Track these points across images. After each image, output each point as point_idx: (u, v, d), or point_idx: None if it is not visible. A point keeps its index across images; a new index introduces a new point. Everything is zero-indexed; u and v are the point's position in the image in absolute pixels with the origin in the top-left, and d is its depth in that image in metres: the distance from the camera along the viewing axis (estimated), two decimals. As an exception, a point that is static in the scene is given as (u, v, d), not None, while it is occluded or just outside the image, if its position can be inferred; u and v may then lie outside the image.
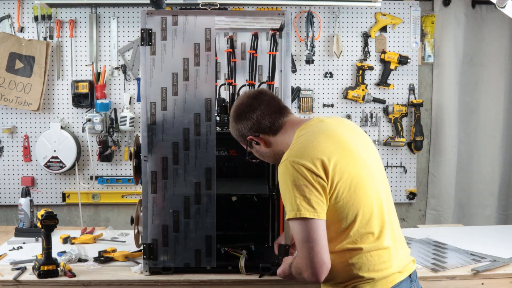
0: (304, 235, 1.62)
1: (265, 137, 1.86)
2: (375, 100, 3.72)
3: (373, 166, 1.77)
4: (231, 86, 2.38)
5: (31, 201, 2.77)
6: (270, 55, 2.30)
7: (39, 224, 2.20)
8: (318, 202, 1.62)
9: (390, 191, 1.83)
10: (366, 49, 3.71)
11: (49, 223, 2.19)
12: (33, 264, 2.22)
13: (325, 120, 1.81)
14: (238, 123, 1.90)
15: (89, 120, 3.57)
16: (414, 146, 3.75)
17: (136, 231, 2.30)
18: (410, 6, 3.73)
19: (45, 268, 2.14)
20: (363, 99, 3.69)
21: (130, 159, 2.33)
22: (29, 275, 2.17)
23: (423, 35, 3.77)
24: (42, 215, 2.19)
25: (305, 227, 1.61)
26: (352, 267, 1.69)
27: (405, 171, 3.79)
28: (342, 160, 1.67)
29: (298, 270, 1.70)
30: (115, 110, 3.64)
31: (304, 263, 1.63)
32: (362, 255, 1.68)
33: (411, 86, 3.77)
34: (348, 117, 3.73)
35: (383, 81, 3.72)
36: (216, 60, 2.27)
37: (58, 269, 2.16)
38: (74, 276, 2.16)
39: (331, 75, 3.72)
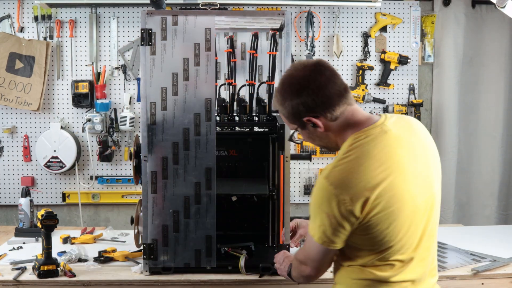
0: (315, 250, 1.63)
1: (325, 120, 1.59)
2: (375, 100, 3.72)
3: (425, 196, 1.58)
4: (231, 86, 2.38)
5: (31, 201, 2.77)
6: (270, 55, 2.30)
7: (39, 224, 2.20)
8: (339, 235, 1.53)
9: (438, 215, 1.67)
10: (366, 49, 3.71)
11: (49, 223, 2.19)
12: (33, 264, 2.22)
13: (388, 132, 1.56)
14: (294, 98, 1.58)
15: (89, 120, 3.57)
16: (414, 146, 3.75)
17: (136, 231, 2.30)
18: (410, 6, 3.73)
19: (45, 268, 2.14)
20: (363, 99, 3.69)
21: (130, 159, 2.33)
22: (29, 275, 2.18)
23: (423, 35, 3.77)
24: (42, 215, 2.19)
25: (318, 249, 1.61)
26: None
27: (405, 171, 3.79)
28: (388, 189, 1.49)
29: (298, 264, 1.74)
30: (115, 110, 3.64)
31: (307, 261, 1.69)
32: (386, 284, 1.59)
33: (411, 86, 3.77)
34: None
35: (383, 81, 3.72)
36: (216, 60, 2.27)
37: (58, 269, 2.16)
38: (74, 276, 2.16)
39: (331, 75, 3.72)
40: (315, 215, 1.56)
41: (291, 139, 1.78)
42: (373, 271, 1.59)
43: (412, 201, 1.53)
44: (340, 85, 1.59)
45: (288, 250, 2.17)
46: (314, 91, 1.56)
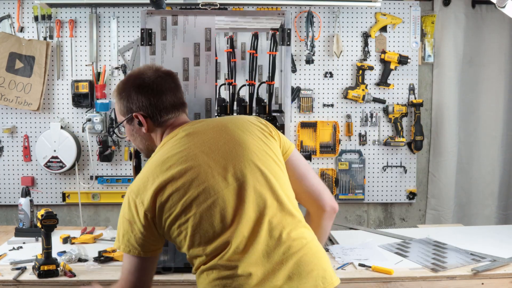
0: (132, 268, 1.60)
1: (151, 123, 1.71)
2: (375, 100, 3.72)
3: (229, 174, 1.58)
4: (231, 86, 2.38)
5: (31, 201, 2.77)
6: (270, 55, 2.31)
7: (39, 224, 2.20)
8: (144, 240, 1.57)
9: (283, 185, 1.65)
10: (366, 49, 3.71)
11: (49, 223, 2.19)
12: (33, 264, 2.22)
13: (190, 135, 1.64)
14: (133, 93, 1.70)
15: (89, 120, 3.57)
16: (414, 146, 3.75)
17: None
18: (410, 6, 3.73)
19: (45, 268, 2.14)
20: (363, 99, 3.69)
21: (130, 159, 2.33)
22: (29, 275, 2.18)
23: (423, 35, 3.77)
24: (42, 215, 2.19)
25: (133, 263, 1.60)
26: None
27: (405, 171, 3.79)
28: (185, 187, 1.54)
29: None
30: (115, 110, 3.64)
31: None
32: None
33: (411, 86, 3.77)
34: (348, 117, 3.73)
35: (383, 81, 3.72)
36: (216, 60, 2.27)
37: (58, 269, 2.16)
38: (74, 276, 2.16)
39: (331, 75, 3.72)
40: (120, 226, 1.62)
41: (113, 131, 1.83)
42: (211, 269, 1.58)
43: (201, 185, 1.57)
44: (179, 99, 1.72)
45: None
46: (154, 93, 1.68)
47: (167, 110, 1.69)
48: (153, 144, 1.75)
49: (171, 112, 1.70)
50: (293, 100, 3.70)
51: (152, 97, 1.68)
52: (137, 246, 1.59)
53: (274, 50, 2.31)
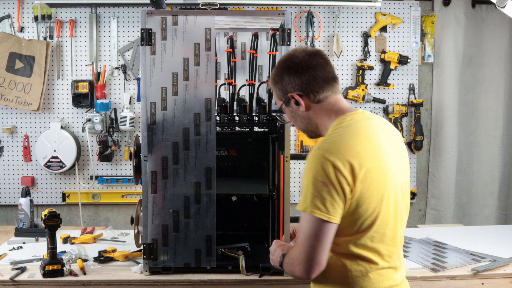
0: (311, 232, 1.56)
1: (308, 101, 1.72)
2: (375, 100, 3.72)
3: (399, 182, 1.68)
4: (231, 86, 2.38)
5: (31, 201, 2.77)
6: (270, 55, 2.31)
7: (43, 224, 2.20)
8: (334, 204, 1.54)
9: (408, 211, 1.75)
10: (366, 49, 3.71)
11: (52, 222, 2.19)
12: (36, 263, 2.23)
13: (371, 118, 1.69)
14: (285, 76, 1.72)
15: (89, 120, 3.57)
16: (414, 146, 3.75)
17: (136, 231, 2.30)
18: (410, 6, 3.73)
19: (50, 267, 2.15)
20: (363, 99, 3.69)
21: (130, 159, 2.33)
22: (29, 275, 2.17)
23: (423, 35, 3.77)
24: (45, 215, 2.19)
25: (314, 225, 1.56)
26: (351, 279, 1.64)
27: (405, 171, 3.79)
28: (373, 169, 1.58)
29: (291, 262, 1.65)
30: (115, 110, 3.64)
31: (301, 257, 1.59)
32: (365, 269, 1.63)
33: (411, 86, 3.77)
34: (348, 117, 3.72)
35: (383, 81, 3.72)
36: (216, 60, 2.27)
37: (64, 268, 2.17)
38: (84, 274, 2.17)
39: (331, 75, 3.72)
40: (307, 188, 1.57)
41: (276, 114, 1.90)
42: (351, 259, 1.62)
43: (391, 182, 1.63)
44: (329, 73, 1.71)
45: (288, 250, 2.17)
46: (303, 71, 1.69)
47: (319, 85, 1.70)
48: (313, 123, 1.76)
49: (325, 87, 1.70)
50: (293, 100, 3.69)
51: (302, 74, 1.70)
52: None
53: (274, 50, 2.31)
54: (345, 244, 1.62)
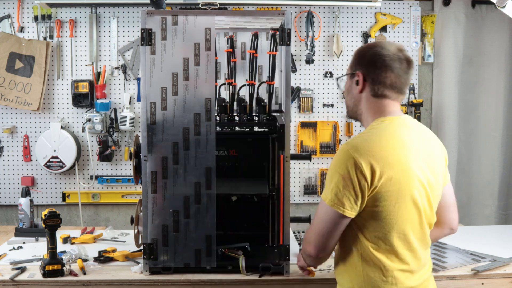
0: (325, 220, 1.69)
1: (367, 88, 1.78)
2: (375, 100, 3.72)
3: (425, 193, 1.74)
4: (231, 86, 2.38)
5: (31, 201, 2.77)
6: (270, 55, 2.30)
7: (43, 224, 2.20)
8: (350, 199, 1.63)
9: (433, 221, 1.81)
10: (366, 49, 3.71)
11: (52, 222, 2.19)
12: (36, 263, 2.22)
13: (408, 125, 1.77)
14: (368, 56, 1.77)
15: (89, 120, 3.57)
16: (414, 146, 3.75)
17: (136, 231, 2.30)
18: (410, 6, 3.73)
19: (50, 267, 2.15)
20: (363, 99, 3.69)
21: (130, 159, 2.33)
22: (29, 275, 2.17)
23: (423, 35, 3.76)
24: (45, 215, 2.19)
25: (329, 214, 1.67)
26: (371, 279, 1.71)
27: (405, 171, 3.79)
28: (397, 175, 1.65)
29: (305, 240, 1.79)
30: (115, 110, 3.64)
31: (312, 238, 1.73)
32: (385, 272, 1.69)
33: (411, 86, 3.77)
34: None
35: (383, 81, 3.72)
36: (216, 60, 2.27)
37: (64, 268, 2.17)
38: (84, 274, 2.17)
39: (331, 75, 3.72)
40: (331, 179, 1.67)
41: (337, 79, 1.97)
42: (373, 258, 1.69)
43: (415, 190, 1.68)
44: (401, 83, 1.76)
45: (288, 250, 2.17)
46: (383, 65, 1.74)
47: (385, 85, 1.75)
48: (359, 108, 1.82)
49: (389, 89, 1.75)
50: (293, 100, 3.70)
51: (380, 67, 1.74)
52: None
53: (274, 50, 2.30)
54: (366, 247, 1.70)
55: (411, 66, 1.77)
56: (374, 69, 1.75)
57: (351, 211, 1.65)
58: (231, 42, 2.44)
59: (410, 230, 1.70)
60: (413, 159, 1.69)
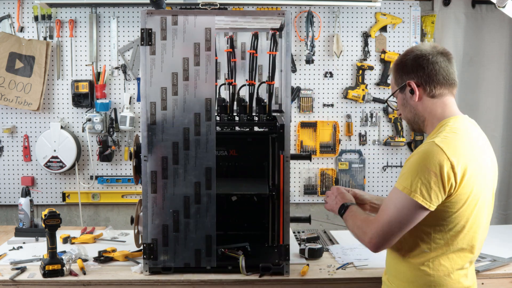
0: (403, 213, 1.67)
1: (423, 92, 1.77)
2: (375, 100, 3.72)
3: (490, 192, 1.81)
4: (231, 86, 2.38)
5: (31, 201, 2.77)
6: (270, 55, 2.30)
7: (43, 224, 2.20)
8: (437, 195, 1.63)
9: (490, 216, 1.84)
10: (366, 49, 3.71)
11: (52, 222, 2.20)
12: (36, 263, 2.22)
13: (474, 124, 1.81)
14: (410, 62, 1.77)
15: (89, 120, 3.57)
16: (414, 146, 3.75)
17: (136, 231, 2.30)
18: (410, 6, 3.73)
19: (50, 267, 2.15)
20: (363, 99, 3.69)
21: (130, 159, 2.33)
22: (29, 275, 2.17)
23: (423, 35, 3.76)
24: (45, 215, 2.19)
25: (410, 208, 1.66)
26: (427, 278, 1.73)
27: (405, 171, 3.79)
28: (479, 175, 1.70)
29: (364, 228, 1.77)
30: (115, 110, 3.64)
31: (377, 231, 1.71)
32: (444, 272, 1.72)
33: (411, 86, 3.76)
34: (348, 117, 3.73)
35: (383, 81, 3.72)
36: (216, 60, 2.27)
37: (64, 268, 2.17)
38: (84, 274, 2.17)
39: (331, 75, 3.72)
40: (416, 173, 1.64)
41: (387, 101, 1.95)
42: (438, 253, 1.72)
43: (489, 189, 1.78)
44: (451, 74, 1.76)
45: (288, 250, 2.17)
46: (428, 63, 1.74)
47: (439, 80, 1.75)
48: (420, 116, 1.80)
49: (443, 85, 1.75)
50: (293, 100, 3.70)
51: (427, 66, 1.74)
52: None
53: (274, 50, 2.30)
54: (434, 245, 1.71)
55: (451, 56, 1.78)
56: (423, 71, 1.75)
57: (434, 206, 1.65)
58: (231, 42, 2.44)
59: (478, 231, 1.74)
60: (487, 162, 1.76)
